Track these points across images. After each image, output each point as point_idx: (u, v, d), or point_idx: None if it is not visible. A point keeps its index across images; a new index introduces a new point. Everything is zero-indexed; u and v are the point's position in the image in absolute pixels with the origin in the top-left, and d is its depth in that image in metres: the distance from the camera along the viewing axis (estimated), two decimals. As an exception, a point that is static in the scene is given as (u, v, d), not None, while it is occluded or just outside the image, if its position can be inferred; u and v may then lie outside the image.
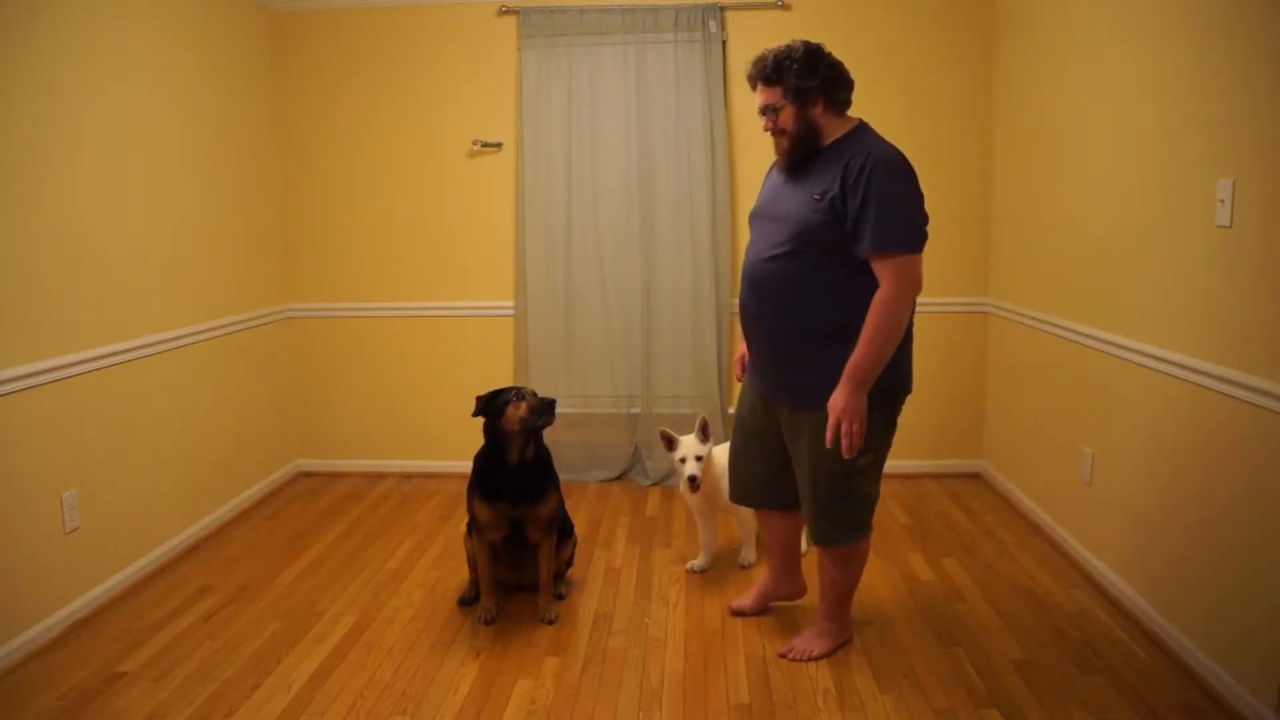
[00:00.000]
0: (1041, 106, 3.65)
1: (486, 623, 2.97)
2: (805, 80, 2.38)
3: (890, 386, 2.46)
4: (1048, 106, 3.59)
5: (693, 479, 3.11)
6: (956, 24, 4.18)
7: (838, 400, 2.36)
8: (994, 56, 4.17)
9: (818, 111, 2.42)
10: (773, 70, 2.42)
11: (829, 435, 2.37)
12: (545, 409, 2.90)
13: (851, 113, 2.52)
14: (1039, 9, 3.67)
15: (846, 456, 2.38)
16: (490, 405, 2.94)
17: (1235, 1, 2.40)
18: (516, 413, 2.89)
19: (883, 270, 2.32)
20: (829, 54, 2.45)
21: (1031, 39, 3.75)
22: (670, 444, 3.21)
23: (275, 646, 2.86)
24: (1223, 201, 2.42)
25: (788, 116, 2.43)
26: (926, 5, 4.17)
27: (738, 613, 2.98)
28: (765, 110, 2.47)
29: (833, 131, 2.44)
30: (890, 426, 2.54)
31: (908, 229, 2.32)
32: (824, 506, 2.56)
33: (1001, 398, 4.19)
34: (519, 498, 2.94)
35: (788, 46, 2.44)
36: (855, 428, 2.34)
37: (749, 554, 3.40)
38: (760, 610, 2.99)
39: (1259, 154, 2.30)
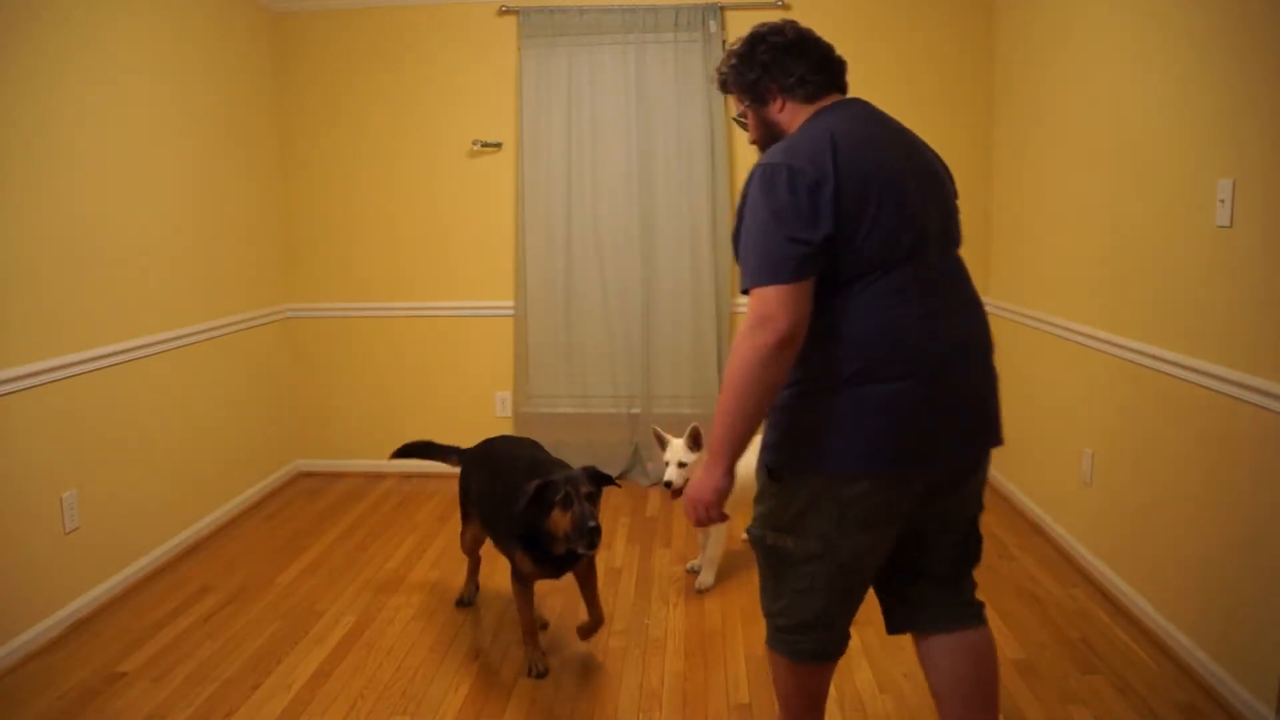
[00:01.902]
0: (1041, 106, 3.65)
1: (537, 676, 2.67)
2: (747, 74, 1.89)
3: (801, 451, 1.76)
4: (1047, 106, 3.59)
5: (668, 484, 3.03)
6: (956, 24, 4.18)
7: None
8: (994, 56, 4.17)
9: (776, 109, 1.88)
10: (723, 76, 1.96)
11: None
12: (588, 536, 2.47)
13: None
14: (1039, 8, 3.67)
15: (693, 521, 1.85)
16: (538, 498, 2.54)
17: (1236, 1, 2.40)
18: (561, 522, 2.51)
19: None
20: (778, 31, 1.88)
21: (1031, 38, 3.75)
22: (662, 444, 3.17)
23: (275, 646, 2.86)
24: (1223, 201, 2.42)
25: (752, 124, 1.95)
26: (927, 5, 4.17)
27: None
28: (737, 123, 2.01)
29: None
30: (810, 510, 1.77)
31: (753, 256, 1.69)
32: None
33: (1001, 398, 4.18)
34: (568, 564, 2.67)
35: (736, 40, 1.94)
36: (702, 512, 1.81)
37: (707, 578, 3.24)
38: None
39: (1259, 154, 2.30)
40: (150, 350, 3.43)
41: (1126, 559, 3.00)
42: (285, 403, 4.53)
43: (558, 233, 4.35)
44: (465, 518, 3.09)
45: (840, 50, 1.93)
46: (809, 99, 1.85)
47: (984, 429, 1.84)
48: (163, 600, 3.20)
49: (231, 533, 3.85)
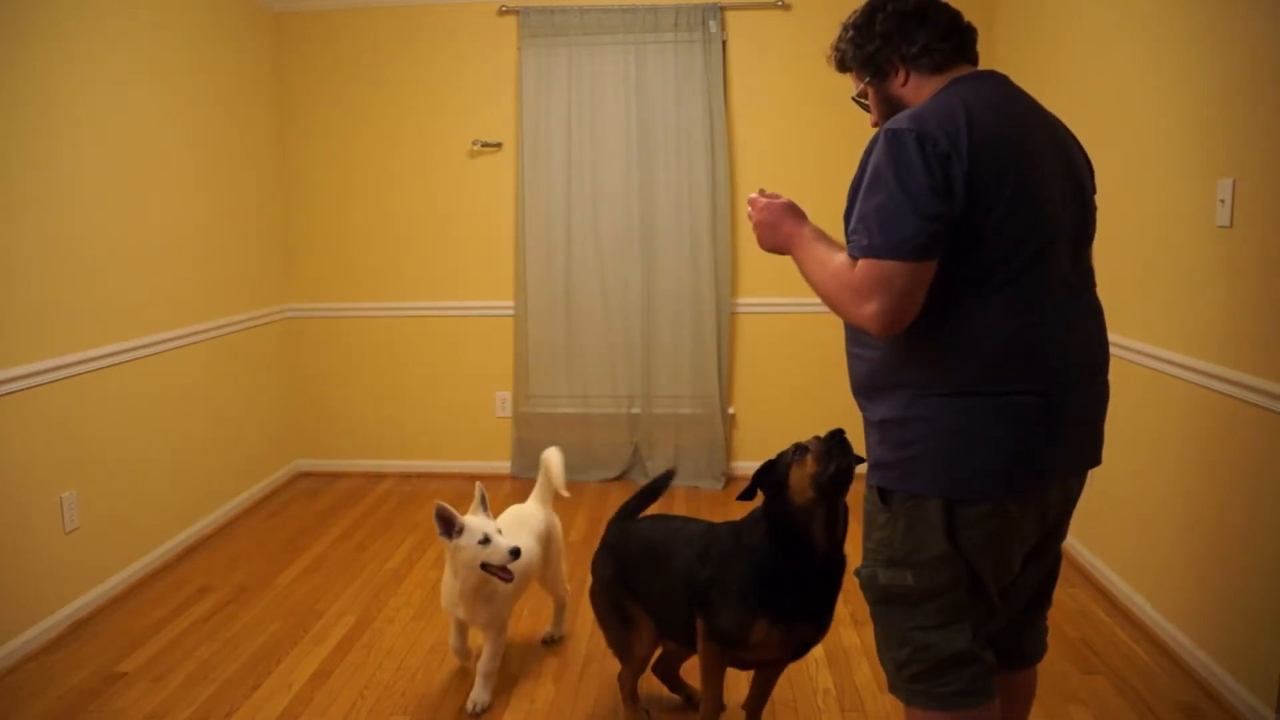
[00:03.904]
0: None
1: None
2: (865, 46, 1.70)
3: (916, 472, 1.57)
4: (1046, 106, 3.58)
5: (515, 553, 2.37)
6: (956, 24, 4.17)
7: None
8: (994, 57, 4.16)
9: (898, 83, 1.68)
10: (840, 52, 1.76)
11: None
12: (837, 449, 1.91)
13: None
14: (1039, 7, 3.67)
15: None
16: (769, 479, 2.01)
17: (1236, 2, 2.40)
18: (803, 473, 1.94)
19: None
20: None
21: (1031, 39, 3.75)
22: (456, 527, 2.40)
23: (275, 646, 2.86)
24: (1223, 201, 2.42)
25: (873, 103, 1.76)
26: (926, 5, 4.16)
27: None
28: (857, 104, 1.81)
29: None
30: (929, 539, 1.56)
31: (872, 227, 1.49)
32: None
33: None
34: (825, 604, 2.04)
35: (853, 12, 1.73)
36: (755, 214, 1.74)
37: (482, 695, 2.50)
38: None
39: (1259, 154, 2.30)
40: (150, 350, 3.43)
41: (1126, 559, 3.00)
42: (285, 403, 4.53)
43: (558, 232, 4.35)
44: (627, 625, 2.33)
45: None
46: (935, 69, 1.66)
47: (1092, 451, 1.69)
48: (163, 600, 3.20)
49: (231, 533, 3.85)
